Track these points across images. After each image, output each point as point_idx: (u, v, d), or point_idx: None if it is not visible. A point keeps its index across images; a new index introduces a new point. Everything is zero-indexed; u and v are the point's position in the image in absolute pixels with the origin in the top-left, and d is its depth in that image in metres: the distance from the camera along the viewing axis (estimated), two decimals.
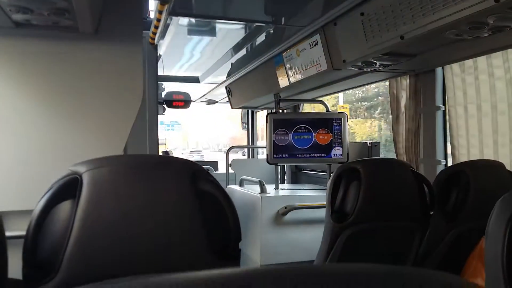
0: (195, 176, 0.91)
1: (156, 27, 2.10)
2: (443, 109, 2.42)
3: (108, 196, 0.85)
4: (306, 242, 2.82)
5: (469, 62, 2.27)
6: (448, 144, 2.44)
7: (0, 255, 0.80)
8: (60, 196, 0.84)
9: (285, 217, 2.83)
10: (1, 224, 0.81)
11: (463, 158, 2.30)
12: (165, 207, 0.87)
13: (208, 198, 0.92)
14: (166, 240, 0.87)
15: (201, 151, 25.56)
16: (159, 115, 3.06)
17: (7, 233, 0.86)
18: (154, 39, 2.25)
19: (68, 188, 0.84)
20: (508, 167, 1.78)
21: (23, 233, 0.84)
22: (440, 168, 2.38)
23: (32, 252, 0.83)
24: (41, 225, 0.83)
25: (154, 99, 2.36)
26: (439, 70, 2.41)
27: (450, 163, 2.41)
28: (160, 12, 1.92)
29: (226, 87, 4.19)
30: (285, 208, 2.82)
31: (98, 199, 0.84)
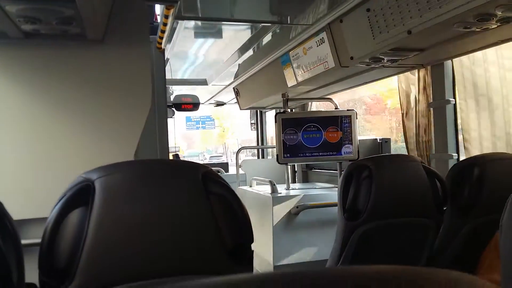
0: (205, 178, 0.91)
1: (163, 32, 2.11)
2: (454, 102, 2.39)
3: (121, 202, 0.85)
4: (319, 241, 2.81)
5: (478, 54, 2.24)
6: (460, 138, 2.42)
7: (17, 263, 0.81)
8: (73, 203, 0.85)
9: (297, 216, 2.83)
10: (17, 233, 0.83)
11: (475, 152, 2.27)
12: (177, 211, 0.88)
13: (219, 200, 0.92)
14: (179, 244, 0.87)
15: (221, 156, 23.24)
16: (169, 118, 3.08)
17: (23, 241, 0.88)
18: (161, 43, 2.26)
19: (81, 195, 0.85)
20: None
21: (38, 240, 0.86)
22: (452, 162, 2.35)
23: (47, 260, 0.84)
24: (56, 233, 0.84)
25: (163, 103, 2.38)
26: (448, 63, 2.38)
27: (462, 158, 2.38)
28: (166, 17, 1.93)
29: (234, 88, 4.20)
30: (297, 207, 2.81)
31: (110, 205, 0.85)
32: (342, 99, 4.97)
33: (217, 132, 25.57)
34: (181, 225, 0.88)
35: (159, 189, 0.88)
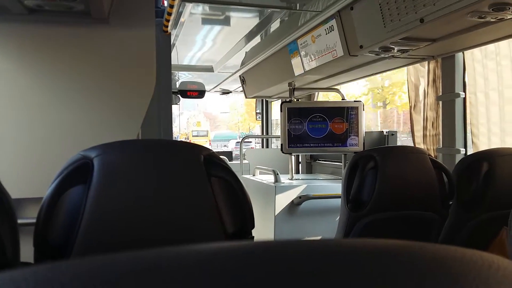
0: (206, 160, 0.89)
1: (169, 14, 2.08)
2: (463, 96, 2.35)
3: (120, 180, 0.83)
4: (321, 232, 2.79)
5: (490, 47, 2.19)
6: (468, 133, 2.37)
7: (13, 241, 0.79)
8: (71, 181, 0.83)
9: (300, 207, 2.81)
10: (14, 211, 0.81)
11: (484, 147, 2.23)
12: (176, 192, 0.86)
13: (221, 183, 0.90)
14: (178, 224, 0.86)
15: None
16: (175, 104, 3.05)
17: (19, 221, 0.86)
18: (167, 26, 2.23)
19: (79, 173, 0.83)
20: None
21: (34, 220, 0.84)
22: (460, 157, 2.31)
23: (43, 238, 0.82)
24: (52, 210, 0.82)
25: (168, 88, 2.35)
26: (459, 55, 2.33)
27: (470, 152, 2.34)
28: None
29: (240, 76, 4.16)
30: (300, 198, 2.79)
31: (109, 184, 0.83)
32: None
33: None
34: (180, 206, 0.85)
35: (159, 169, 0.86)
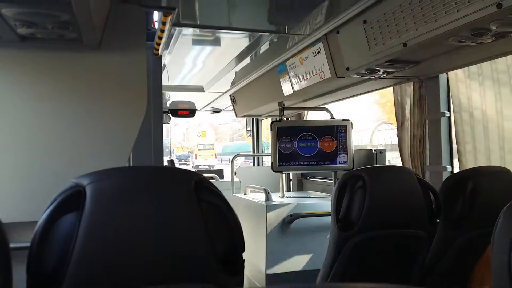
0: (197, 186, 0.91)
1: (160, 38, 2.12)
2: (448, 115, 2.41)
3: (112, 208, 0.85)
4: (312, 250, 2.80)
5: (473, 68, 2.26)
6: (454, 152, 2.43)
7: (4, 266, 0.80)
8: (64, 208, 0.85)
9: (291, 225, 2.82)
10: (5, 236, 0.82)
11: (470, 165, 2.28)
12: (168, 219, 0.87)
13: (211, 208, 0.92)
14: (170, 252, 0.87)
15: None
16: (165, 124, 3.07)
17: (12, 245, 0.87)
18: (158, 49, 2.26)
19: (71, 201, 0.85)
20: None
21: (27, 244, 0.85)
22: (446, 175, 2.36)
23: (36, 264, 0.83)
24: (45, 237, 0.83)
25: (159, 109, 2.38)
26: (443, 76, 2.40)
27: (456, 170, 2.39)
28: (164, 23, 1.94)
29: (230, 95, 4.20)
30: (291, 216, 2.81)
31: (101, 211, 0.84)
32: None
33: None
34: (172, 233, 0.87)
35: (151, 196, 0.87)
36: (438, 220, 1.73)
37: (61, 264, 0.83)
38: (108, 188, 0.86)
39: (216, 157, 22.98)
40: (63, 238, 0.84)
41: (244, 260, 0.96)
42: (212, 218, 0.91)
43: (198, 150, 23.22)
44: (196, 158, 23.18)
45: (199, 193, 0.91)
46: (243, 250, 0.95)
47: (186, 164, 22.70)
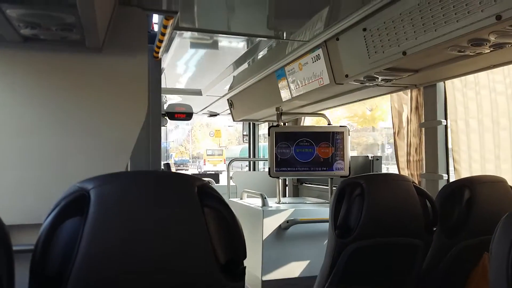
0: (200, 191, 0.91)
1: (161, 41, 2.12)
2: (445, 123, 2.43)
3: (115, 213, 0.85)
4: (308, 257, 2.80)
5: (470, 77, 2.29)
6: (451, 160, 2.44)
7: (7, 268, 0.80)
8: (68, 212, 0.85)
9: (287, 231, 2.82)
10: (8, 238, 0.82)
11: (465, 173, 2.30)
12: (171, 224, 0.87)
13: (214, 214, 0.92)
14: (172, 254, 0.87)
15: None
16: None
17: (15, 247, 0.87)
18: (158, 52, 2.27)
19: (76, 205, 0.85)
20: (510, 183, 1.79)
21: (30, 247, 0.84)
22: (442, 183, 2.38)
23: (40, 267, 0.83)
24: (49, 241, 0.83)
25: (158, 113, 2.37)
26: (440, 84, 2.42)
27: (452, 178, 2.41)
28: (165, 27, 1.94)
29: (228, 99, 4.21)
30: (287, 222, 2.81)
31: (105, 216, 0.84)
32: None
33: None
34: (175, 238, 0.87)
35: (154, 201, 0.88)
36: (434, 229, 1.74)
37: (65, 267, 0.83)
38: (112, 193, 0.86)
39: (225, 162, 22.37)
40: (67, 242, 0.84)
41: (245, 266, 0.96)
42: (215, 224, 0.92)
43: (207, 155, 22.68)
44: (204, 164, 22.42)
45: (202, 197, 0.91)
46: (245, 257, 0.95)
47: (185, 170, 21.35)
